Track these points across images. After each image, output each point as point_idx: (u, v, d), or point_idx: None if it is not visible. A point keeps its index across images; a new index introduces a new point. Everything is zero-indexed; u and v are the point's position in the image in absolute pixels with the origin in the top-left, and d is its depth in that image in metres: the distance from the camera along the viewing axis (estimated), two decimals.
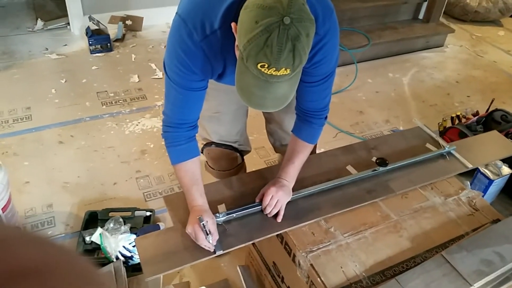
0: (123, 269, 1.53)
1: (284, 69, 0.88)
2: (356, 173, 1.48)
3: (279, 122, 1.60)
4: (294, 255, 1.27)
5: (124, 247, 1.72)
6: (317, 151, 1.74)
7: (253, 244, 1.61)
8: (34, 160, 2.21)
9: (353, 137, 2.53)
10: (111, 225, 1.82)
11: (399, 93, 3.01)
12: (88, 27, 3.22)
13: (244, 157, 1.74)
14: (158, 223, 1.89)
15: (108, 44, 3.18)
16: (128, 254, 1.70)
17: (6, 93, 2.67)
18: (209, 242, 1.17)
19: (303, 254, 1.23)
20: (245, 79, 0.93)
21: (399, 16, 3.60)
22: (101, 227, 1.80)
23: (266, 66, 0.87)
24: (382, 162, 1.48)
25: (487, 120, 2.39)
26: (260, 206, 1.31)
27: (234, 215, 1.28)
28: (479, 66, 3.45)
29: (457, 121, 2.39)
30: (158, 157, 2.28)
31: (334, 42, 1.13)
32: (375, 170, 1.48)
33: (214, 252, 1.19)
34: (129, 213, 1.90)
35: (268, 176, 1.45)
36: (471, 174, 2.00)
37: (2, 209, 1.64)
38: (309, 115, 1.30)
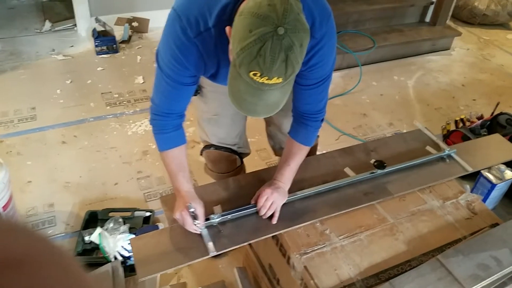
0: (121, 269, 1.53)
1: (276, 78, 0.88)
2: (354, 175, 1.47)
3: (278, 125, 1.60)
4: (289, 257, 1.27)
5: (122, 247, 1.73)
6: (318, 153, 1.74)
7: (250, 246, 1.61)
8: (37, 160, 2.23)
9: (355, 140, 2.52)
10: (111, 225, 1.83)
11: (404, 96, 3.00)
12: (95, 28, 3.24)
13: (246, 158, 1.74)
14: (157, 223, 1.90)
15: (114, 46, 3.21)
16: (127, 254, 1.71)
17: (12, 93, 2.70)
18: (196, 226, 1.20)
19: (297, 256, 1.22)
20: (237, 85, 0.93)
21: (405, 19, 3.58)
22: (101, 227, 1.81)
23: (259, 74, 0.87)
24: (380, 164, 1.47)
25: (491, 123, 2.36)
26: (255, 208, 1.30)
27: (229, 216, 1.27)
28: (486, 70, 3.42)
29: (461, 125, 2.37)
30: (160, 158, 2.28)
31: (330, 46, 1.13)
32: (373, 172, 1.47)
33: (208, 253, 1.19)
34: (129, 213, 1.91)
35: (265, 178, 1.44)
36: (474, 178, 1.98)
37: (3, 207, 1.65)
38: (305, 117, 1.30)
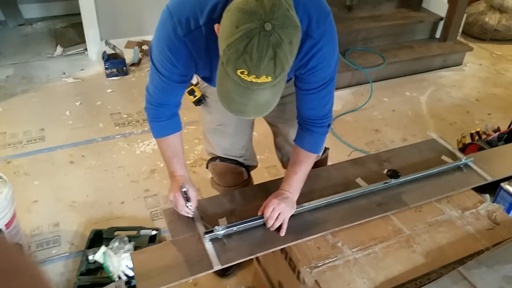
0: None
1: (265, 76, 0.84)
2: (366, 185, 1.40)
3: (285, 135, 1.55)
4: (299, 272, 1.19)
5: (127, 266, 1.67)
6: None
7: (259, 262, 1.53)
8: (44, 180, 2.20)
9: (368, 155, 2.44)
10: (116, 244, 1.77)
11: (417, 111, 2.93)
12: (105, 51, 3.27)
13: (256, 175, 1.69)
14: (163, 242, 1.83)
15: (124, 68, 3.22)
16: (131, 274, 1.65)
17: (22, 115, 2.70)
18: (188, 208, 1.22)
19: (307, 269, 1.15)
20: (225, 84, 0.89)
21: (415, 35, 3.54)
22: (105, 246, 1.76)
23: (246, 73, 0.84)
24: (393, 174, 1.40)
25: (509, 136, 2.27)
26: (262, 220, 1.24)
27: (234, 228, 1.21)
28: (501, 84, 3.34)
29: (477, 137, 2.29)
30: (168, 176, 2.24)
31: (330, 46, 1.09)
32: (387, 182, 1.40)
33: (212, 266, 1.12)
34: (134, 232, 1.86)
35: (272, 189, 1.38)
36: (493, 192, 1.89)
37: (5, 225, 1.61)
38: (310, 123, 1.25)
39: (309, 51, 1.03)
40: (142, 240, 1.82)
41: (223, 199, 1.38)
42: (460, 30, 3.64)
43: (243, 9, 0.82)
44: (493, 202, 1.90)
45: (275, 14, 0.82)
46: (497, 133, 2.29)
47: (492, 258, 1.17)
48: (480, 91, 3.23)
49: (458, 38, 3.63)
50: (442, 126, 2.78)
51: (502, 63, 3.69)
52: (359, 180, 1.44)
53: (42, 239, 1.89)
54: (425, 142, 1.68)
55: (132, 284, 1.63)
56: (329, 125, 1.27)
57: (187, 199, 1.23)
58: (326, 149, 1.65)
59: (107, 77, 3.18)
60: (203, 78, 1.24)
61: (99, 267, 1.74)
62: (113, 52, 3.30)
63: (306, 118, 1.24)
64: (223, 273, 1.74)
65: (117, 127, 2.63)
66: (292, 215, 1.26)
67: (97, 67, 3.31)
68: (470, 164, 1.53)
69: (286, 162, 1.65)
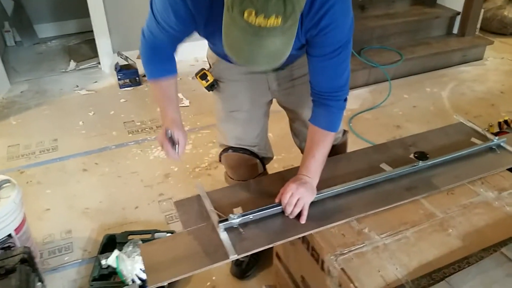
0: None
1: (274, 17, 0.75)
2: (392, 170, 1.30)
3: (303, 120, 1.46)
4: (323, 261, 1.09)
5: (141, 269, 1.58)
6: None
7: (279, 259, 1.43)
8: (56, 188, 2.15)
9: None
10: (130, 248, 1.69)
11: (439, 106, 2.81)
12: (117, 62, 3.25)
13: (268, 168, 1.60)
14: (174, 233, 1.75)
15: (137, 78, 3.19)
16: (145, 277, 1.56)
17: (35, 127, 2.68)
18: (175, 153, 1.16)
19: (332, 257, 1.05)
20: (232, 33, 0.81)
21: (431, 32, 3.44)
22: (119, 250, 1.68)
23: (253, 13, 0.75)
24: (422, 155, 1.30)
25: None
26: (280, 207, 1.15)
27: (251, 216, 1.12)
28: None
29: (505, 126, 2.17)
30: (183, 180, 2.18)
31: (343, 4, 1.00)
32: (414, 165, 1.30)
33: (228, 256, 1.03)
34: (149, 236, 1.78)
35: (290, 178, 1.30)
36: None
37: (15, 230, 1.55)
38: (326, 97, 1.15)
39: (320, 8, 0.96)
40: None
41: (238, 189, 1.29)
42: (479, 25, 3.53)
43: None
44: None
45: None
46: None
47: None
48: (505, 83, 3.10)
49: (477, 33, 3.52)
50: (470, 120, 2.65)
51: None
52: (383, 165, 1.34)
53: (54, 247, 1.82)
54: (452, 126, 1.58)
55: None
56: (345, 100, 1.18)
57: (173, 143, 1.16)
58: (345, 131, 1.56)
59: (120, 88, 3.15)
60: (208, 38, 1.18)
61: (112, 272, 1.66)
62: (125, 63, 3.28)
63: (321, 92, 1.15)
64: (242, 275, 1.64)
65: (130, 135, 2.58)
66: (312, 202, 1.16)
67: (110, 79, 3.29)
68: (503, 144, 1.42)
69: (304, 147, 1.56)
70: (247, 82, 1.37)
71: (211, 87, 1.38)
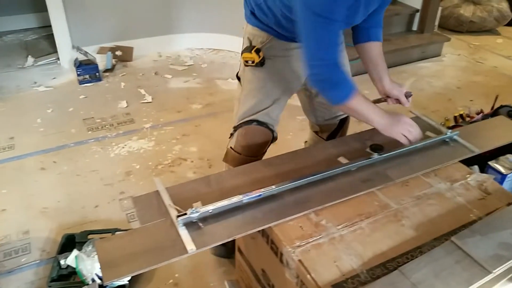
0: None
1: None
2: (348, 162, 1.32)
3: None
4: (281, 254, 1.10)
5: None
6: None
7: (241, 253, 1.44)
8: (13, 188, 2.08)
9: None
10: (89, 247, 1.66)
11: None
12: (77, 58, 3.18)
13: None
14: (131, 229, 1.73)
15: (97, 74, 3.12)
16: None
17: None
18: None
19: (289, 249, 1.06)
20: None
21: (391, 29, 3.52)
22: (78, 250, 1.64)
23: None
24: (377, 147, 1.33)
25: (493, 117, 2.23)
26: (240, 201, 1.15)
27: (210, 210, 1.12)
28: (480, 72, 3.33)
29: (460, 120, 2.24)
30: (145, 177, 2.15)
31: None
32: (370, 157, 1.33)
33: (186, 251, 1.03)
34: (109, 235, 1.74)
35: (250, 172, 1.31)
36: (481, 171, 1.83)
37: None
38: (377, 23, 1.48)
39: None
40: None
41: (198, 183, 1.28)
42: (437, 22, 3.64)
43: None
44: None
45: None
46: (481, 114, 2.25)
47: (486, 226, 1.10)
48: (461, 79, 3.21)
49: (435, 30, 3.62)
50: (425, 114, 2.73)
51: (480, 52, 3.70)
52: (341, 159, 1.36)
53: (10, 248, 1.76)
54: None
55: (107, 287, 1.52)
56: None
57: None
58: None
59: (80, 84, 3.07)
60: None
61: (72, 272, 1.62)
62: (85, 58, 3.20)
63: (377, 20, 1.47)
64: (229, 255, 1.70)
65: (90, 132, 2.52)
66: (271, 196, 1.18)
67: (70, 75, 3.21)
68: (456, 137, 1.47)
69: (321, 122, 1.72)
70: (293, 57, 1.46)
71: (262, 63, 1.43)
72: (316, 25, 1.15)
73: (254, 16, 1.44)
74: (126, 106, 2.79)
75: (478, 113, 2.30)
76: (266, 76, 1.48)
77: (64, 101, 2.85)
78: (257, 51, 1.43)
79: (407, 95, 1.49)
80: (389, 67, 3.24)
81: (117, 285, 1.56)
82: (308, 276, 1.00)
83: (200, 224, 1.09)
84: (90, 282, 1.53)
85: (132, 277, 1.52)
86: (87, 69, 3.08)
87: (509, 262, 1.00)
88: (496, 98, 2.31)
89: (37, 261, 1.71)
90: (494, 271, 0.97)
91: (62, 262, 1.62)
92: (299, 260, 1.03)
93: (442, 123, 2.28)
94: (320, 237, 1.10)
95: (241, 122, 1.54)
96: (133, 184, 2.10)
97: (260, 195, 1.18)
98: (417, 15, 3.53)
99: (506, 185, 1.81)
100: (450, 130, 1.47)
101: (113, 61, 3.35)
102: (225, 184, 1.27)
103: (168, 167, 2.23)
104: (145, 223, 1.12)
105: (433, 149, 1.43)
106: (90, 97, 2.92)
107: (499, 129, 1.60)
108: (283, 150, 1.45)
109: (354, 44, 1.54)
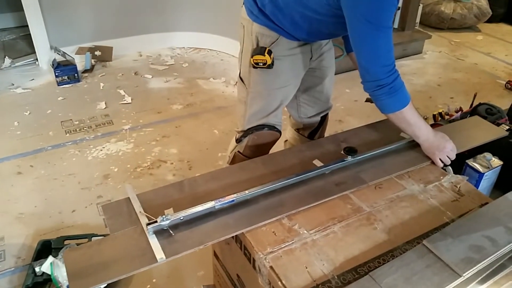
0: None
1: None
2: (322, 165, 1.32)
3: (325, 84, 1.65)
4: (254, 260, 1.09)
5: None
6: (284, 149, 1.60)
7: (217, 258, 1.43)
8: None
9: None
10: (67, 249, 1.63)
11: None
12: (55, 59, 3.13)
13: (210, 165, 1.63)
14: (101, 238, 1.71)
15: (76, 75, 3.08)
16: None
17: None
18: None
19: (261, 256, 1.05)
20: None
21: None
22: (54, 256, 1.62)
23: None
24: (351, 150, 1.33)
25: (472, 115, 2.25)
26: (212, 206, 1.14)
27: (181, 217, 1.11)
28: (461, 69, 3.36)
29: (439, 118, 2.25)
30: (123, 180, 2.12)
31: None
32: (344, 160, 1.32)
33: (156, 260, 1.01)
34: (85, 240, 1.72)
35: (225, 176, 1.29)
36: (459, 170, 1.84)
37: None
38: None
39: None
40: None
41: (170, 189, 1.26)
42: (418, 19, 3.66)
43: None
44: None
45: None
46: (460, 112, 2.27)
47: (457, 229, 1.10)
48: (442, 76, 3.23)
49: (416, 27, 3.64)
50: None
51: (461, 49, 3.73)
52: (316, 162, 1.35)
53: None
54: (383, 122, 1.61)
55: None
56: None
57: None
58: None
59: (58, 85, 3.03)
60: None
61: (47, 280, 1.60)
62: (63, 59, 3.15)
63: None
64: None
65: (67, 134, 2.48)
66: (244, 201, 1.17)
67: (48, 76, 3.16)
68: None
69: (304, 119, 1.74)
70: (297, 56, 1.47)
71: (272, 64, 1.41)
72: (380, 37, 1.19)
73: (264, 14, 1.39)
74: (105, 108, 2.76)
75: (457, 111, 2.31)
76: (274, 77, 1.47)
77: (42, 103, 2.81)
78: (269, 52, 1.41)
79: None
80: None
81: None
82: (279, 283, 0.99)
83: (171, 232, 1.08)
84: None
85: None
86: (65, 70, 3.04)
87: (479, 265, 1.00)
88: (475, 96, 2.33)
89: (12, 269, 1.69)
90: (464, 275, 0.98)
91: (37, 269, 1.60)
92: (271, 267, 1.02)
93: None
94: (292, 242, 1.09)
95: (251, 127, 1.55)
96: (111, 188, 2.08)
97: (233, 200, 1.17)
98: (398, 12, 3.54)
99: (483, 183, 1.83)
100: None
101: (92, 61, 3.31)
102: (198, 189, 1.26)
103: (147, 169, 2.21)
104: (115, 231, 1.10)
105: (408, 150, 1.43)
106: (69, 98, 2.88)
107: (475, 130, 1.61)
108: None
109: (347, 53, 1.58)
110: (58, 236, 1.76)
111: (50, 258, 1.60)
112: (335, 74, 1.70)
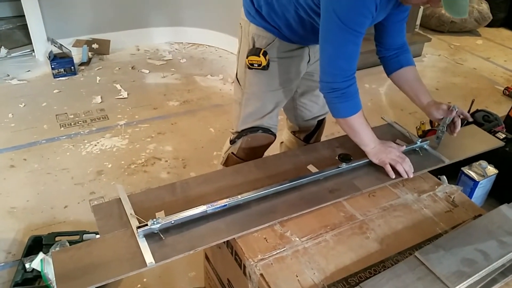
0: None
1: None
2: (316, 171, 1.31)
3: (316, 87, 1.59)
4: (245, 266, 1.09)
5: None
6: (278, 152, 1.59)
7: (209, 262, 1.42)
8: None
9: None
10: (56, 250, 1.62)
11: (376, 102, 2.89)
12: (51, 51, 3.10)
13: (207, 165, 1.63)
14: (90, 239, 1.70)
15: (72, 68, 3.05)
16: None
17: None
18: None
19: (252, 263, 1.04)
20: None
21: (371, 28, 3.50)
22: (45, 253, 1.61)
23: None
24: (345, 157, 1.32)
25: (469, 121, 2.24)
26: (204, 210, 1.13)
27: (172, 221, 1.09)
28: (459, 73, 3.35)
29: (436, 124, 2.25)
30: (117, 177, 2.11)
31: None
32: (339, 167, 1.31)
33: (146, 264, 1.00)
34: (77, 237, 1.71)
35: (218, 179, 1.28)
36: (455, 177, 1.84)
37: None
38: (405, 46, 1.49)
39: None
40: None
41: (163, 191, 1.25)
42: (418, 22, 3.64)
43: None
44: None
45: None
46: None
47: (450, 241, 1.09)
48: (440, 80, 3.23)
49: (416, 30, 3.63)
50: (402, 116, 2.75)
51: (460, 53, 3.72)
52: (310, 167, 1.35)
53: None
54: (380, 127, 1.61)
55: None
56: None
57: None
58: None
59: (55, 77, 3.01)
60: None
61: (37, 276, 1.59)
62: (60, 51, 3.12)
63: (401, 44, 1.48)
64: None
65: (62, 128, 2.47)
66: (236, 206, 1.16)
67: (45, 68, 3.13)
68: (426, 147, 1.47)
69: (301, 122, 1.74)
70: (293, 58, 1.46)
71: (268, 65, 1.41)
72: (344, 37, 1.17)
73: (260, 15, 1.38)
74: (101, 102, 2.74)
75: None
76: (269, 79, 1.46)
77: (38, 96, 2.79)
78: (265, 54, 1.40)
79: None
80: (368, 67, 3.27)
81: None
82: None
83: (162, 236, 1.07)
84: (55, 287, 1.50)
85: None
86: (61, 63, 3.01)
87: (470, 279, 1.00)
88: (472, 102, 2.31)
89: (2, 264, 1.67)
90: None
91: (27, 265, 1.59)
92: (261, 274, 1.02)
93: (418, 126, 2.29)
94: (283, 250, 1.08)
95: (245, 129, 1.54)
96: (104, 184, 2.07)
97: (225, 205, 1.16)
98: None
99: (478, 191, 1.82)
100: (420, 139, 1.46)
101: (89, 54, 3.28)
102: (190, 192, 1.25)
103: (141, 166, 2.20)
104: (105, 233, 1.09)
105: None
106: (64, 91, 2.86)
107: (471, 139, 1.60)
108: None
109: (388, 75, 1.58)
110: (49, 232, 1.75)
111: (41, 255, 1.59)
112: None
